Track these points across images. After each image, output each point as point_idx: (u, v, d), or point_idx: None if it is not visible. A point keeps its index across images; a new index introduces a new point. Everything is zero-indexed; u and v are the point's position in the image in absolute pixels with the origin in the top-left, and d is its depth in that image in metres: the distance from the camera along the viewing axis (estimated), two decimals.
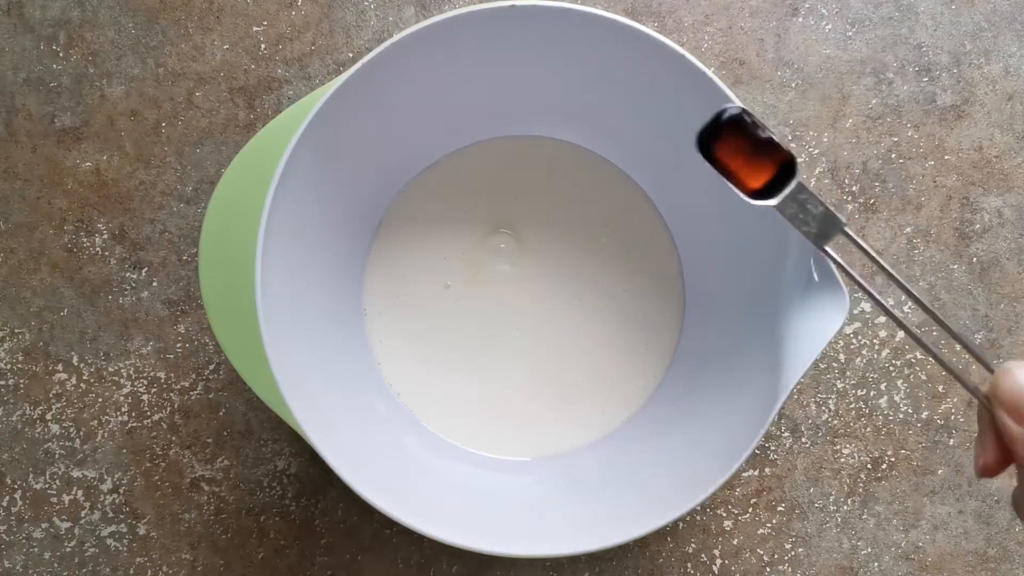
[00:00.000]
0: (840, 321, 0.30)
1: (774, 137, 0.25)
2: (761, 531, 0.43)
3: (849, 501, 0.43)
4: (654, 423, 0.40)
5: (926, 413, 0.43)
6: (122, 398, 0.43)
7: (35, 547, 0.43)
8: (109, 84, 0.43)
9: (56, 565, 0.43)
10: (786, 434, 0.43)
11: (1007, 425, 0.22)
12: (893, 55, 0.43)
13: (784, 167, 0.26)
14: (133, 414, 0.43)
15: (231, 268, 0.37)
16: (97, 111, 0.44)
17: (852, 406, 0.43)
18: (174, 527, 0.43)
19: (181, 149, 0.43)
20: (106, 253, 0.43)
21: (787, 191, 0.26)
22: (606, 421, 0.41)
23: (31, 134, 0.44)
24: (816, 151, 0.43)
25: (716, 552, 0.43)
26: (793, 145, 0.43)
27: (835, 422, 0.43)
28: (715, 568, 0.43)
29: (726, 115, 0.25)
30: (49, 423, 0.43)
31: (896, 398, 0.43)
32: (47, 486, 0.43)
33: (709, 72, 0.32)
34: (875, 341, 0.43)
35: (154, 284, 0.43)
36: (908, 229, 0.43)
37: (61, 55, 0.43)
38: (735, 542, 0.43)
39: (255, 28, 0.43)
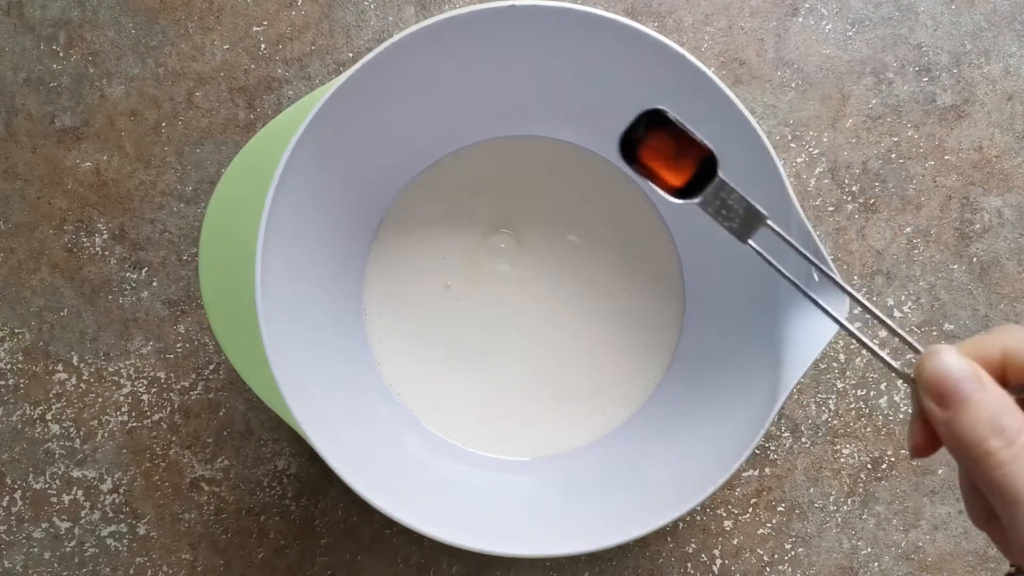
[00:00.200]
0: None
1: (691, 132, 0.25)
2: (761, 531, 0.43)
3: (849, 501, 0.43)
4: (654, 423, 0.40)
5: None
6: (122, 398, 0.43)
7: (35, 547, 0.43)
8: (109, 84, 0.43)
9: (56, 565, 0.43)
10: (786, 434, 0.43)
11: (930, 408, 0.22)
12: (893, 55, 0.43)
13: (707, 164, 0.26)
14: (133, 414, 0.43)
15: (231, 268, 0.37)
16: (97, 111, 0.44)
17: (852, 406, 0.43)
18: (174, 527, 0.43)
19: (181, 149, 0.43)
20: (106, 253, 0.43)
21: (709, 188, 0.26)
22: (606, 421, 0.41)
23: (31, 134, 0.44)
24: (816, 151, 0.43)
25: (716, 552, 0.43)
26: (792, 145, 0.43)
27: (835, 422, 0.43)
28: (715, 568, 0.43)
29: (643, 112, 0.25)
30: (49, 423, 0.43)
31: (896, 398, 0.43)
32: (47, 486, 0.43)
33: (709, 72, 0.32)
34: (875, 341, 0.43)
35: (154, 284, 0.43)
36: (908, 229, 0.43)
37: (61, 55, 0.43)
38: (735, 542, 0.43)
39: (255, 28, 0.43)
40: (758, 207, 0.26)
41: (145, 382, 0.43)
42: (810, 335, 0.31)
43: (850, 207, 0.43)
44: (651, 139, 0.26)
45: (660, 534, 0.43)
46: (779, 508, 0.43)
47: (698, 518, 0.43)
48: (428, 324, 0.41)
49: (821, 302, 0.26)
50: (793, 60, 0.43)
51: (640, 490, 0.36)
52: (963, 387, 0.22)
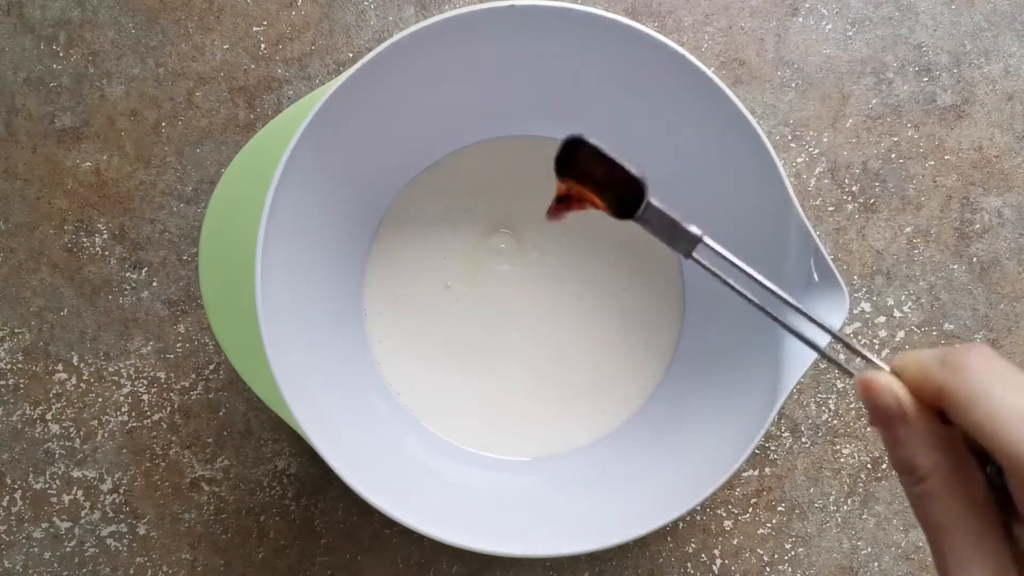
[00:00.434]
0: (840, 321, 0.30)
1: (612, 158, 0.25)
2: (761, 531, 0.43)
3: (849, 501, 0.43)
4: (654, 423, 0.40)
5: None
6: (122, 398, 0.43)
7: (35, 547, 0.43)
8: (109, 84, 0.43)
9: (56, 565, 0.43)
10: (786, 434, 0.43)
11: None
12: (893, 55, 0.43)
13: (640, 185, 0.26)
14: (133, 414, 0.43)
15: (231, 268, 0.37)
16: (97, 111, 0.44)
17: (852, 406, 0.43)
18: (174, 527, 0.43)
19: (181, 149, 0.43)
20: (106, 253, 0.43)
21: (639, 211, 0.26)
22: (606, 421, 0.41)
23: (31, 134, 0.44)
24: (816, 151, 0.43)
25: (716, 552, 0.43)
26: (792, 145, 0.43)
27: (835, 422, 0.43)
28: (715, 568, 0.43)
29: (565, 139, 0.25)
30: (49, 423, 0.43)
31: None
32: (47, 486, 0.43)
33: (709, 72, 0.32)
34: (875, 341, 0.43)
35: (154, 284, 0.43)
36: (908, 229, 0.43)
37: (61, 55, 0.43)
38: (735, 542, 0.43)
39: (255, 28, 0.43)
40: (687, 227, 0.25)
41: (145, 382, 0.43)
42: (810, 335, 0.31)
43: (850, 207, 0.43)
44: (581, 164, 0.25)
45: (660, 534, 0.43)
46: (779, 508, 0.43)
47: (698, 518, 0.43)
48: (428, 324, 0.41)
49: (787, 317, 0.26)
50: (793, 60, 0.43)
51: (640, 490, 0.36)
52: (888, 418, 0.21)
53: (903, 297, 0.43)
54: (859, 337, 0.43)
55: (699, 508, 0.43)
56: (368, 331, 0.41)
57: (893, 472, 0.42)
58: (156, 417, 0.43)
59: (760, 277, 0.25)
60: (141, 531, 0.43)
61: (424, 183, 0.42)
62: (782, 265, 0.34)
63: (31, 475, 0.43)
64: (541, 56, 0.35)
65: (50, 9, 0.44)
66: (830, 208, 0.43)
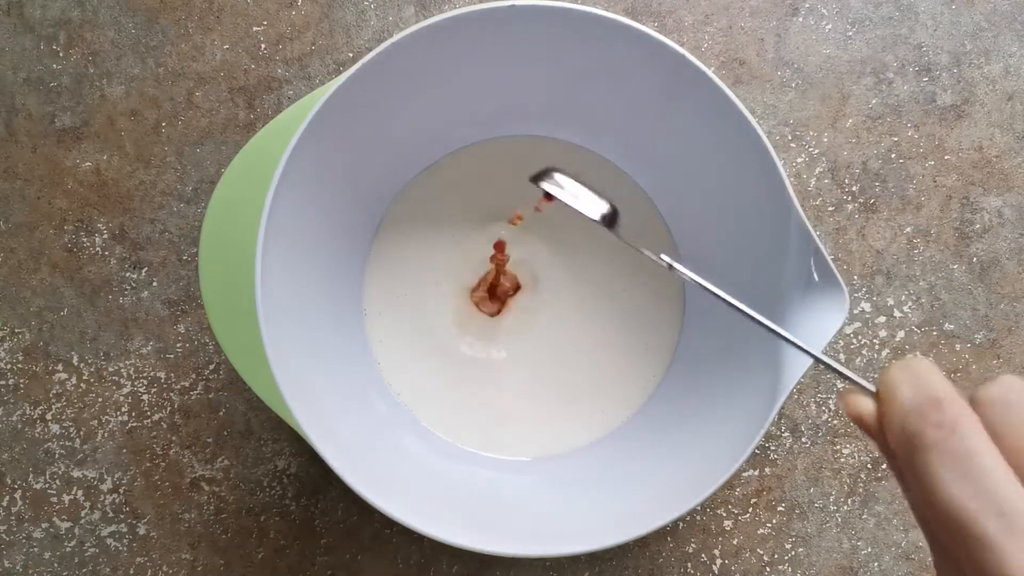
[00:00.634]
0: (840, 321, 0.30)
1: (568, 204, 0.27)
2: (761, 531, 0.43)
3: (849, 501, 0.43)
4: (654, 423, 0.40)
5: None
6: (122, 398, 0.43)
7: (35, 547, 0.43)
8: (109, 84, 0.43)
9: (56, 565, 0.43)
10: (786, 434, 0.43)
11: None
12: (893, 55, 0.43)
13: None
14: (133, 414, 0.43)
15: (231, 268, 0.37)
16: (97, 111, 0.44)
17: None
18: (174, 527, 0.43)
19: (181, 149, 0.43)
20: (106, 253, 0.43)
21: (615, 230, 0.27)
22: (606, 421, 0.41)
23: (31, 134, 0.44)
24: (816, 151, 0.43)
25: (716, 552, 0.43)
26: (792, 145, 0.43)
27: (835, 422, 0.43)
28: (715, 568, 0.43)
29: (535, 175, 0.27)
30: (49, 423, 0.43)
31: None
32: (47, 486, 0.43)
33: (709, 72, 0.32)
34: (875, 341, 0.43)
35: (154, 284, 0.43)
36: (908, 229, 0.43)
37: (61, 55, 0.43)
38: (735, 542, 0.43)
39: (255, 28, 0.43)
40: (660, 259, 0.27)
41: (145, 382, 0.43)
42: (810, 335, 0.31)
43: (850, 207, 0.43)
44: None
45: (660, 534, 0.43)
46: (779, 508, 0.43)
47: (698, 518, 0.43)
48: (428, 324, 0.41)
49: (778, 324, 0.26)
50: (793, 60, 0.43)
51: (640, 490, 0.36)
52: (869, 435, 0.23)
53: (903, 297, 0.43)
54: (859, 337, 0.43)
55: (699, 508, 0.43)
56: (368, 331, 0.41)
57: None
58: (156, 417, 0.43)
59: (737, 303, 0.26)
60: (141, 531, 0.43)
61: (424, 183, 0.42)
62: (782, 265, 0.34)
63: (31, 475, 0.43)
64: (541, 56, 0.35)
65: (50, 9, 0.44)
66: (830, 208, 0.43)
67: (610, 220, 0.27)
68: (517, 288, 0.41)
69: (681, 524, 0.43)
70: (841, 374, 0.24)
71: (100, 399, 0.43)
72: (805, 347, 0.25)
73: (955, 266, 0.43)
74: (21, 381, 0.43)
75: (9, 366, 0.43)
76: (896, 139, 0.43)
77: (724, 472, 0.32)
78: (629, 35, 0.32)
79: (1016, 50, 0.43)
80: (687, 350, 0.41)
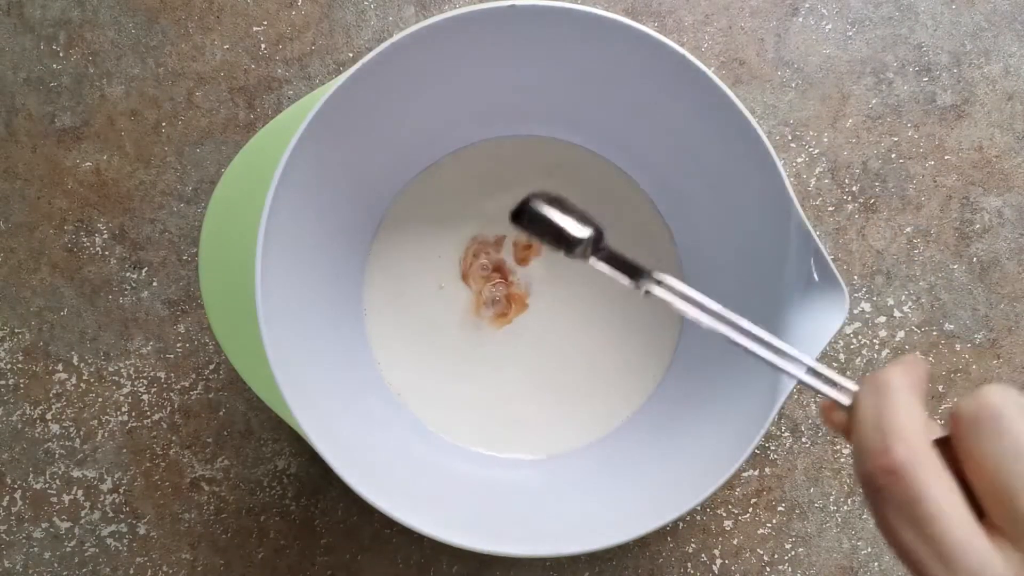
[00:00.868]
0: (840, 321, 0.30)
1: (559, 222, 0.26)
2: (761, 531, 0.43)
3: (849, 501, 0.43)
4: (654, 423, 0.40)
5: (926, 413, 0.43)
6: (122, 398, 0.43)
7: (35, 547, 0.43)
8: (109, 84, 0.43)
9: (56, 565, 0.43)
10: (786, 434, 0.43)
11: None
12: (893, 55, 0.43)
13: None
14: (133, 414, 0.43)
15: (231, 268, 0.37)
16: (97, 111, 0.44)
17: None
18: (174, 527, 0.43)
19: (181, 149, 0.43)
20: (106, 253, 0.43)
21: (600, 256, 0.27)
22: (606, 421, 0.41)
23: (31, 134, 0.44)
24: (816, 151, 0.43)
25: (716, 552, 0.43)
26: (792, 145, 0.43)
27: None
28: (715, 568, 0.43)
29: (520, 204, 0.27)
30: (49, 423, 0.43)
31: None
32: (47, 486, 0.43)
33: (709, 72, 0.32)
34: (875, 341, 0.43)
35: (154, 284, 0.43)
36: (908, 229, 0.43)
37: (61, 55, 0.43)
38: (735, 542, 0.43)
39: (255, 28, 0.43)
40: (642, 266, 0.26)
41: (145, 382, 0.43)
42: (810, 335, 0.31)
43: (850, 207, 0.43)
44: (532, 219, 0.27)
45: (660, 534, 0.43)
46: (779, 508, 0.43)
47: (698, 518, 0.43)
48: (428, 324, 0.41)
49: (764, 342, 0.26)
50: (793, 60, 0.43)
51: (640, 490, 0.36)
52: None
53: (903, 297, 0.43)
54: (859, 337, 0.43)
55: (699, 508, 0.43)
56: (368, 331, 0.41)
57: None
58: (156, 417, 0.43)
59: (723, 311, 0.26)
60: (141, 531, 0.43)
61: (424, 183, 0.42)
62: (782, 265, 0.34)
63: (31, 475, 0.43)
64: (541, 56, 0.35)
65: (50, 9, 0.44)
66: (830, 208, 0.43)
67: (594, 243, 0.27)
68: (522, 303, 0.41)
69: (681, 524, 0.43)
70: (816, 389, 0.24)
71: (100, 399, 0.43)
72: (782, 365, 0.25)
73: (955, 266, 0.43)
74: (21, 381, 0.43)
75: (9, 366, 0.43)
76: (896, 139, 0.43)
77: (724, 472, 0.32)
78: (629, 35, 0.32)
79: (1016, 50, 0.43)
80: (687, 350, 0.41)
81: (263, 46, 0.43)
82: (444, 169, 0.42)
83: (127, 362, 0.43)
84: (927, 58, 0.43)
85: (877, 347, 0.43)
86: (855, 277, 0.43)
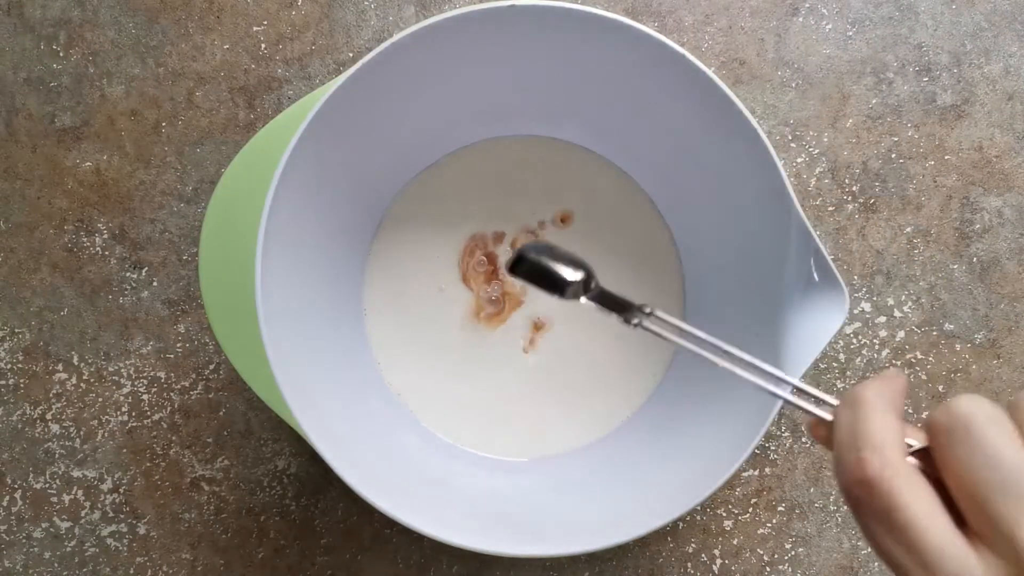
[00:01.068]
0: (840, 321, 0.30)
1: (552, 267, 0.29)
2: (761, 531, 0.43)
3: None
4: (654, 423, 0.40)
5: (926, 413, 0.43)
6: (122, 398, 0.43)
7: (35, 547, 0.43)
8: (109, 84, 0.43)
9: (56, 565, 0.43)
10: (786, 434, 0.43)
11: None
12: (893, 55, 0.43)
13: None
14: (133, 414, 0.43)
15: (231, 268, 0.37)
16: (97, 111, 0.44)
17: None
18: (174, 527, 0.43)
19: (181, 149, 0.43)
20: (106, 253, 0.43)
21: (590, 295, 0.29)
22: (606, 421, 0.41)
23: (31, 134, 0.44)
24: (816, 151, 0.43)
25: (716, 552, 0.43)
26: (792, 145, 0.43)
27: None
28: (715, 568, 0.43)
29: (516, 255, 0.29)
30: (49, 423, 0.43)
31: None
32: (47, 486, 0.43)
33: (709, 72, 0.32)
34: (875, 341, 0.43)
35: (154, 284, 0.43)
36: (908, 229, 0.43)
37: (61, 55, 0.43)
38: (735, 542, 0.43)
39: (255, 28, 0.43)
40: (631, 302, 0.28)
41: (145, 382, 0.43)
42: (810, 335, 0.31)
43: (850, 207, 0.43)
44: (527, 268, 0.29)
45: (660, 534, 0.43)
46: (779, 508, 0.43)
47: (698, 518, 0.43)
48: (428, 324, 0.41)
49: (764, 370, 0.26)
50: (793, 60, 0.43)
51: (640, 490, 0.36)
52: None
53: (903, 297, 0.43)
54: (859, 337, 0.43)
55: (699, 508, 0.43)
56: (368, 331, 0.41)
57: None
58: (156, 417, 0.43)
59: (705, 335, 0.27)
60: (141, 531, 0.43)
61: (424, 183, 0.42)
62: (782, 265, 0.34)
63: (31, 475, 0.43)
64: (541, 56, 0.35)
65: (50, 9, 0.44)
66: (830, 208, 0.43)
67: (585, 284, 0.29)
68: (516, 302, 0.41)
69: (681, 524, 0.43)
70: (801, 408, 0.24)
71: (100, 399, 0.43)
72: (769, 388, 0.25)
73: (955, 266, 0.43)
74: (21, 381, 0.43)
75: (9, 366, 0.43)
76: (896, 139, 0.43)
77: (724, 472, 0.32)
78: (629, 35, 0.32)
79: (1016, 50, 0.43)
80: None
81: (263, 46, 0.43)
82: (444, 169, 0.42)
83: (127, 362, 0.43)
84: (927, 58, 0.43)
85: (877, 347, 0.43)
86: (855, 277, 0.43)
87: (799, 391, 0.25)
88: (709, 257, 0.40)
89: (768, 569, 0.42)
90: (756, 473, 0.43)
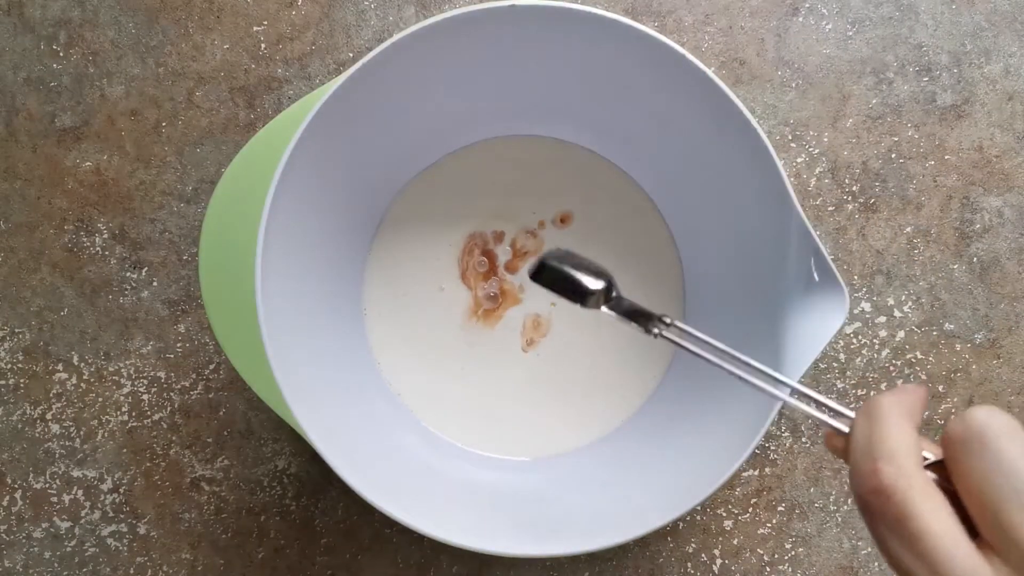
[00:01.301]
0: (840, 321, 0.30)
1: (574, 276, 0.29)
2: (761, 531, 0.43)
3: (849, 501, 0.42)
4: (654, 423, 0.40)
5: (926, 413, 0.43)
6: (122, 398, 0.43)
7: (35, 547, 0.43)
8: (109, 84, 0.43)
9: (56, 565, 0.43)
10: (786, 434, 0.43)
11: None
12: (893, 55, 0.43)
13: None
14: (133, 414, 0.43)
15: (231, 268, 0.37)
16: (97, 111, 0.44)
17: (852, 406, 0.43)
18: (174, 527, 0.43)
19: (181, 149, 0.43)
20: (106, 253, 0.43)
21: (610, 305, 0.29)
22: (606, 421, 0.41)
23: (31, 134, 0.44)
24: (816, 151, 0.43)
25: (716, 552, 0.43)
26: (792, 145, 0.43)
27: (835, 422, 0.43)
28: (715, 568, 0.43)
29: (539, 262, 0.29)
30: (49, 423, 0.43)
31: None
32: (47, 486, 0.43)
33: (709, 72, 0.32)
34: (875, 341, 0.43)
35: (154, 284, 0.43)
36: (908, 229, 0.43)
37: (61, 55, 0.44)
38: (735, 542, 0.43)
39: (255, 28, 0.43)
40: (651, 312, 0.28)
41: (145, 382, 0.43)
42: (810, 335, 0.31)
43: (850, 207, 0.43)
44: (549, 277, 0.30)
45: (660, 534, 0.43)
46: (779, 508, 0.43)
47: (698, 518, 0.43)
48: (428, 323, 0.41)
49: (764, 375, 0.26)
50: (793, 60, 0.43)
51: (640, 490, 0.36)
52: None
53: (903, 297, 0.43)
54: (859, 337, 0.43)
55: (699, 508, 0.43)
56: (368, 331, 0.41)
57: None
58: (156, 417, 0.43)
59: (727, 348, 0.27)
60: (141, 531, 0.43)
61: (424, 183, 0.42)
62: (782, 265, 0.34)
63: (31, 475, 0.43)
64: (541, 56, 0.35)
65: (50, 9, 0.44)
66: (830, 208, 0.43)
67: (606, 293, 0.29)
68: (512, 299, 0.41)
69: (681, 524, 0.43)
70: (819, 420, 0.25)
71: (100, 399, 0.43)
72: (791, 401, 0.26)
73: (955, 266, 0.43)
74: (21, 381, 0.43)
75: (9, 366, 0.43)
76: (896, 139, 0.43)
77: (724, 472, 0.32)
78: (629, 35, 0.32)
79: (1016, 50, 0.43)
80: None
81: (263, 46, 0.43)
82: (444, 169, 0.42)
83: (127, 362, 0.43)
84: (927, 58, 0.43)
85: (877, 347, 0.43)
86: (855, 277, 0.43)
87: (819, 404, 0.25)
88: (709, 257, 0.40)
89: (768, 569, 0.42)
90: (756, 473, 0.43)
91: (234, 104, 0.43)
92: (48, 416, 0.43)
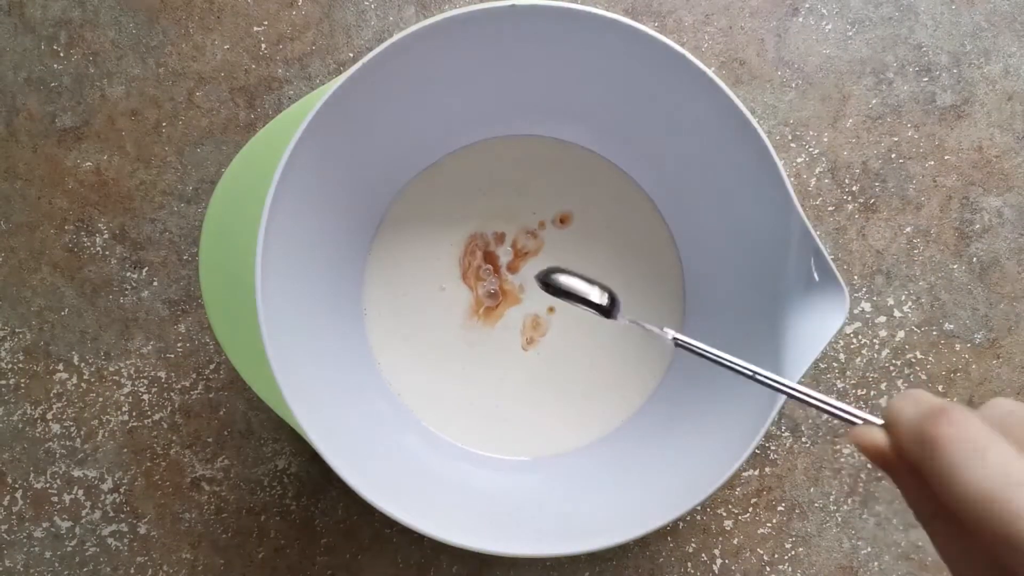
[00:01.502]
0: (840, 321, 0.30)
1: (581, 291, 0.31)
2: (761, 531, 0.43)
3: (849, 501, 0.43)
4: (654, 423, 0.40)
5: None
6: (123, 398, 0.43)
7: (36, 546, 0.43)
8: (110, 84, 0.43)
9: (57, 564, 0.43)
10: (786, 434, 0.43)
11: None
12: (893, 55, 0.43)
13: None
14: (134, 414, 0.43)
15: (231, 268, 0.37)
16: (98, 111, 0.44)
17: (852, 406, 0.43)
18: (174, 527, 0.43)
19: (181, 149, 0.43)
20: (106, 253, 0.43)
21: (620, 314, 0.31)
22: (606, 421, 0.41)
23: (32, 134, 0.44)
24: (816, 151, 0.43)
25: (716, 552, 0.43)
26: (792, 145, 0.43)
27: (835, 422, 0.43)
28: (715, 568, 0.43)
29: (543, 275, 0.31)
30: (50, 422, 0.43)
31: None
32: (48, 485, 0.43)
33: (709, 72, 0.32)
34: (875, 341, 0.43)
35: (154, 284, 0.43)
36: (908, 229, 0.43)
37: (62, 55, 0.44)
38: (735, 542, 0.43)
39: (256, 28, 0.43)
40: (655, 330, 0.29)
41: (146, 382, 0.43)
42: (810, 334, 0.31)
43: (850, 207, 0.43)
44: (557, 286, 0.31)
45: (660, 534, 0.43)
46: (779, 508, 0.43)
47: (698, 518, 0.43)
48: (428, 324, 0.41)
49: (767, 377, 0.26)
50: (793, 60, 0.43)
51: (640, 490, 0.36)
52: (885, 468, 0.24)
53: (903, 297, 0.43)
54: (859, 337, 0.43)
55: (699, 508, 0.43)
56: (368, 331, 0.41)
57: None
58: (157, 417, 0.43)
59: (737, 363, 0.28)
60: (142, 530, 0.43)
61: (424, 183, 0.42)
62: (782, 265, 0.34)
63: (32, 474, 0.43)
64: (541, 56, 0.35)
65: (51, 9, 0.44)
66: (830, 208, 0.43)
67: (611, 306, 0.31)
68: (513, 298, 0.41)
69: (681, 524, 0.43)
70: (841, 418, 0.25)
71: (101, 399, 0.43)
72: (796, 392, 0.26)
73: (955, 266, 0.43)
74: (22, 381, 0.43)
75: (10, 366, 0.43)
76: (896, 139, 0.43)
77: (724, 472, 0.32)
78: (629, 35, 0.32)
79: (1016, 50, 0.43)
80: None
81: (263, 46, 0.43)
82: (444, 169, 0.42)
83: (127, 362, 0.43)
84: (927, 58, 0.43)
85: (877, 347, 0.43)
86: (855, 277, 0.43)
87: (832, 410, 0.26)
88: (709, 257, 0.40)
89: (768, 569, 0.43)
90: (756, 473, 0.43)
91: (234, 104, 0.43)
92: (49, 416, 0.43)
